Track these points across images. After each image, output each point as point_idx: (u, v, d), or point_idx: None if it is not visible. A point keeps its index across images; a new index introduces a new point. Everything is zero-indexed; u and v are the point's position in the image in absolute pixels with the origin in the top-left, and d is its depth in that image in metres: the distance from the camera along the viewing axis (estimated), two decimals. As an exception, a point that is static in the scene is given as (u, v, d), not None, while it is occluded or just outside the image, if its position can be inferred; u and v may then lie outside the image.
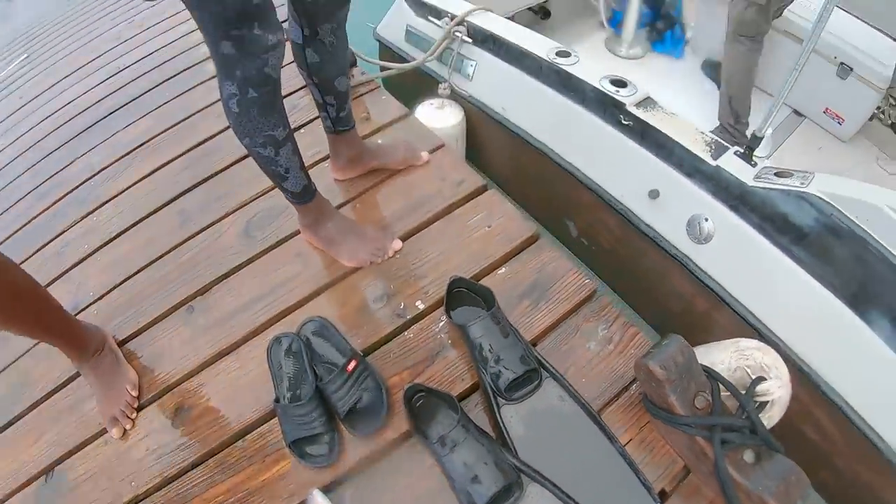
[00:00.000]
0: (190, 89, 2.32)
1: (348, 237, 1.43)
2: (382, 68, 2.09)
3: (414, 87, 2.11)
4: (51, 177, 2.14)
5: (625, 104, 1.60)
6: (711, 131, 2.25)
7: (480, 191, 1.57)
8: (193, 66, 2.48)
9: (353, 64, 1.89)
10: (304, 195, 1.35)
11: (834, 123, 2.47)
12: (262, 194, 1.68)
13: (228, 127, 1.80)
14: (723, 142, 1.51)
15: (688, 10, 2.95)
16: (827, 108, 2.46)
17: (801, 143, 2.46)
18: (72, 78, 2.89)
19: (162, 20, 3.11)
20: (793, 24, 2.37)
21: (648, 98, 1.62)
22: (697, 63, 2.83)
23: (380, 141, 1.77)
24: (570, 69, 1.71)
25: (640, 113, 1.57)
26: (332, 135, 1.54)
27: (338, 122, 1.48)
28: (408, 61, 2.12)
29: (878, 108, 2.43)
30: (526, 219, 1.50)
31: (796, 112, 2.56)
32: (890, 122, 2.47)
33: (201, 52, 2.57)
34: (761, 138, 1.44)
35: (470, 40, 1.92)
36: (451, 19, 1.95)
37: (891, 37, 2.42)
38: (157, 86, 2.43)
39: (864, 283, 1.23)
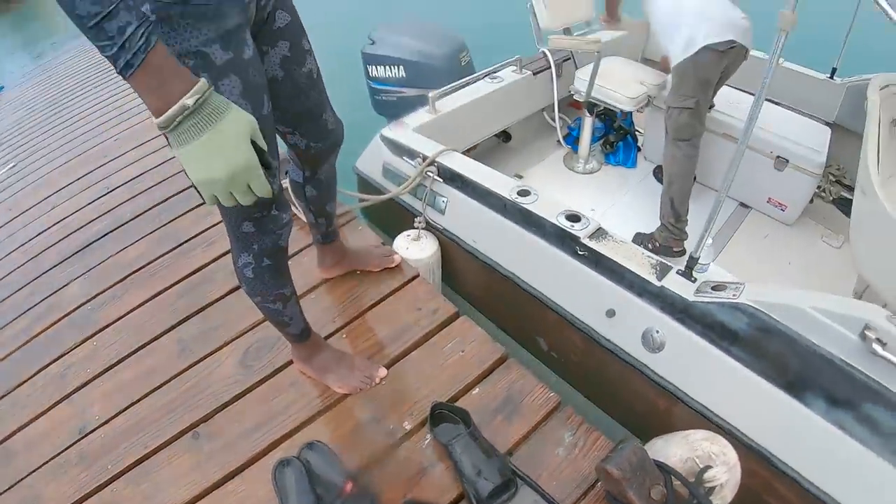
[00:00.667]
0: (178, 217, 2.48)
1: (339, 367, 1.62)
2: (360, 199, 2.30)
3: (392, 219, 2.30)
4: (48, 297, 2.23)
5: (579, 237, 1.80)
6: (654, 231, 2.45)
7: (453, 318, 1.78)
8: (180, 192, 2.65)
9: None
10: (302, 336, 1.55)
11: (778, 211, 2.67)
12: (256, 325, 1.83)
13: (219, 257, 2.03)
14: (667, 262, 1.71)
15: (638, 119, 3.20)
16: (770, 198, 2.67)
17: (749, 235, 2.65)
18: (62, 194, 3.02)
19: (142, 143, 3.28)
20: (729, 126, 2.62)
21: (600, 229, 1.83)
22: (650, 170, 3.04)
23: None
24: (530, 207, 1.92)
25: (593, 244, 1.77)
26: (321, 245, 1.82)
27: (326, 236, 1.78)
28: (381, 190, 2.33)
29: (819, 186, 2.61)
30: (495, 341, 1.71)
31: (742, 204, 2.79)
32: (831, 198, 2.64)
33: (186, 179, 2.73)
34: (698, 258, 1.64)
35: (440, 179, 2.14)
36: (423, 160, 2.17)
37: (821, 120, 2.65)
38: (146, 211, 2.58)
39: (797, 372, 1.41)
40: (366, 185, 2.55)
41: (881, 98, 1.80)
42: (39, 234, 2.71)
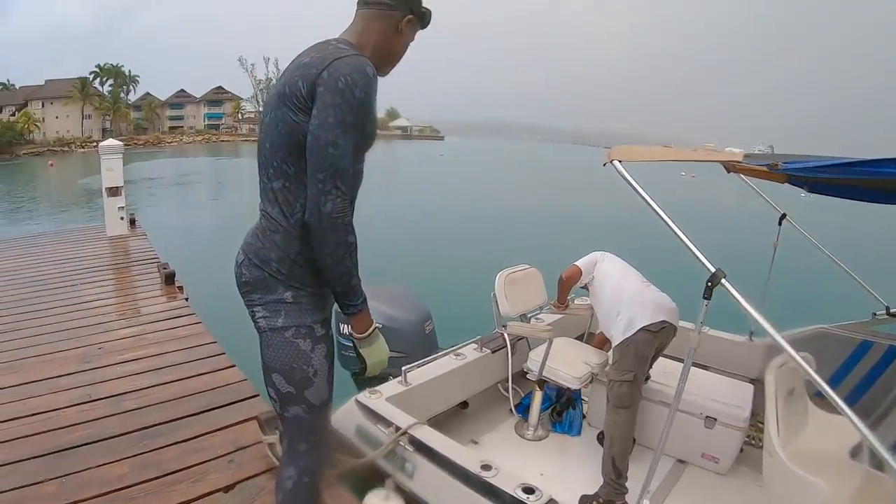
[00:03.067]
0: (163, 447, 2.62)
1: None
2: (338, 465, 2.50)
3: (363, 476, 2.55)
4: (20, 487, 2.29)
5: None
6: (598, 489, 2.69)
7: None
8: (167, 422, 2.83)
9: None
10: None
11: (712, 463, 2.96)
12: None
13: (206, 495, 2.31)
14: None
15: (584, 391, 3.47)
16: (703, 453, 2.97)
17: (687, 487, 2.88)
18: (40, 386, 3.15)
19: (127, 360, 3.49)
20: (664, 395, 2.99)
21: (552, 500, 2.15)
22: (593, 436, 3.28)
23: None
24: (492, 480, 2.20)
25: None
26: None
27: None
28: (356, 450, 2.62)
29: (748, 435, 2.90)
30: None
31: (679, 460, 3.05)
32: (760, 444, 2.79)
33: (179, 409, 2.97)
34: None
35: (411, 448, 2.47)
36: (396, 429, 2.52)
37: (745, 378, 3.03)
38: (130, 433, 2.73)
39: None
40: (338, 441, 2.78)
41: (776, 377, 2.22)
42: (16, 418, 2.80)
